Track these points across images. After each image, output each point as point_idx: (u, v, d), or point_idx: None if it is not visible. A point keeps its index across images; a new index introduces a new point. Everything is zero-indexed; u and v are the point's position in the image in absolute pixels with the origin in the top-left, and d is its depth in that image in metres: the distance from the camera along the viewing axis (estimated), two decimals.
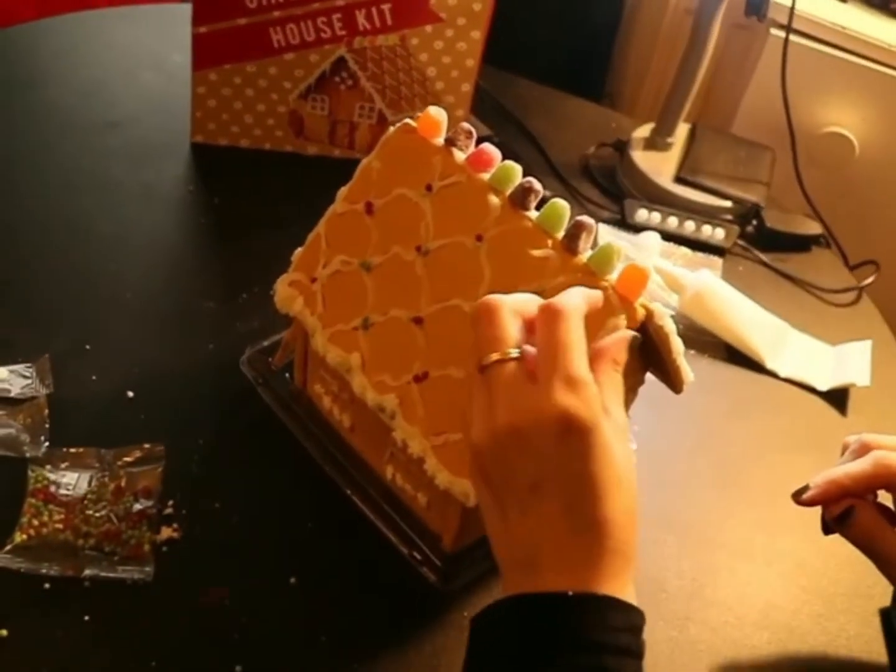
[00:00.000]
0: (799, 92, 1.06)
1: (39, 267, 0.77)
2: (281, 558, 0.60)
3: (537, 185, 0.56)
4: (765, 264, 0.94)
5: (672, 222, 0.93)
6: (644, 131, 1.02)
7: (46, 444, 0.63)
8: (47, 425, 0.64)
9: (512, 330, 0.44)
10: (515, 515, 0.43)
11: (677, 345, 0.59)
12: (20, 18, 0.99)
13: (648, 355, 0.61)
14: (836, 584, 0.66)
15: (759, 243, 0.95)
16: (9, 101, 0.93)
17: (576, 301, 0.45)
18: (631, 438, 0.70)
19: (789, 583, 0.66)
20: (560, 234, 0.55)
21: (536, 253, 0.55)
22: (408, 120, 0.62)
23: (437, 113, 0.60)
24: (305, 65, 0.86)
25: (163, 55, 1.02)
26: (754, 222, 0.96)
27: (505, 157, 0.59)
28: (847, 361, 0.83)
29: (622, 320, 0.52)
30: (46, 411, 0.64)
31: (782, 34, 0.98)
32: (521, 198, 0.56)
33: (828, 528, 0.58)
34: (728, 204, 0.96)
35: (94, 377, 0.68)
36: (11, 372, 0.66)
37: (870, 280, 0.93)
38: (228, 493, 0.63)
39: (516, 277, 0.55)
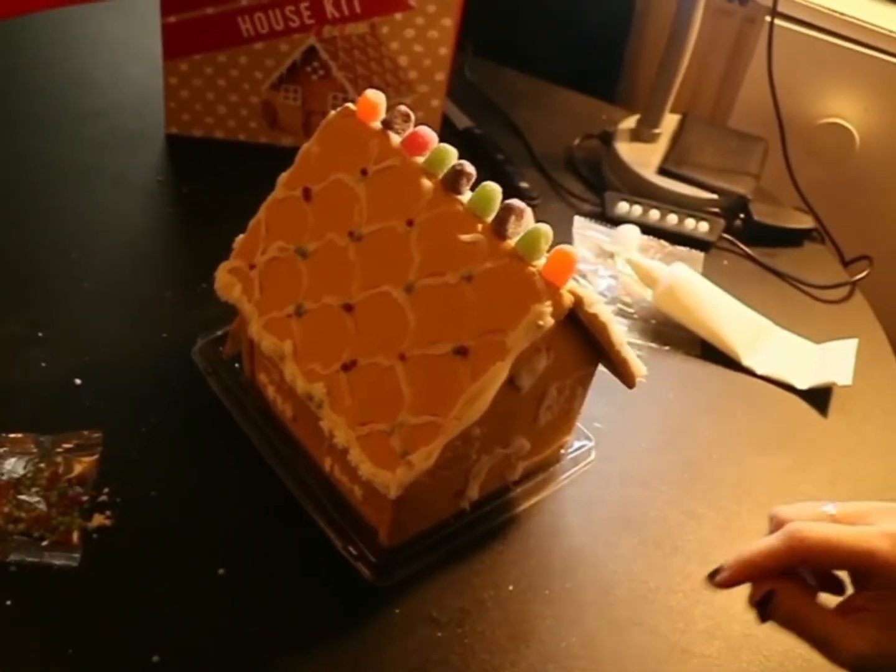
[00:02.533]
0: (797, 82, 1.02)
1: (0, 252, 0.77)
2: (213, 549, 0.59)
3: (469, 168, 0.55)
4: (751, 258, 0.90)
5: (654, 215, 0.89)
6: (631, 122, 0.99)
7: None
8: None
9: None
10: None
11: (618, 335, 0.56)
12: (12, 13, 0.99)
13: (596, 347, 0.59)
14: None
15: (747, 237, 0.91)
16: None
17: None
18: (589, 435, 0.68)
19: (745, 590, 0.63)
20: (490, 218, 0.53)
21: (465, 237, 0.53)
22: (348, 104, 0.60)
23: (374, 96, 0.59)
24: (276, 54, 0.85)
25: (147, 46, 1.02)
26: (741, 215, 0.92)
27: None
28: (830, 360, 0.79)
29: (547, 307, 0.50)
30: None
31: (778, 22, 0.95)
32: (452, 181, 0.55)
33: (763, 617, 0.51)
34: (713, 196, 0.92)
35: (43, 364, 0.68)
36: None
37: (862, 275, 0.89)
38: (167, 482, 0.62)
39: (445, 263, 0.53)
